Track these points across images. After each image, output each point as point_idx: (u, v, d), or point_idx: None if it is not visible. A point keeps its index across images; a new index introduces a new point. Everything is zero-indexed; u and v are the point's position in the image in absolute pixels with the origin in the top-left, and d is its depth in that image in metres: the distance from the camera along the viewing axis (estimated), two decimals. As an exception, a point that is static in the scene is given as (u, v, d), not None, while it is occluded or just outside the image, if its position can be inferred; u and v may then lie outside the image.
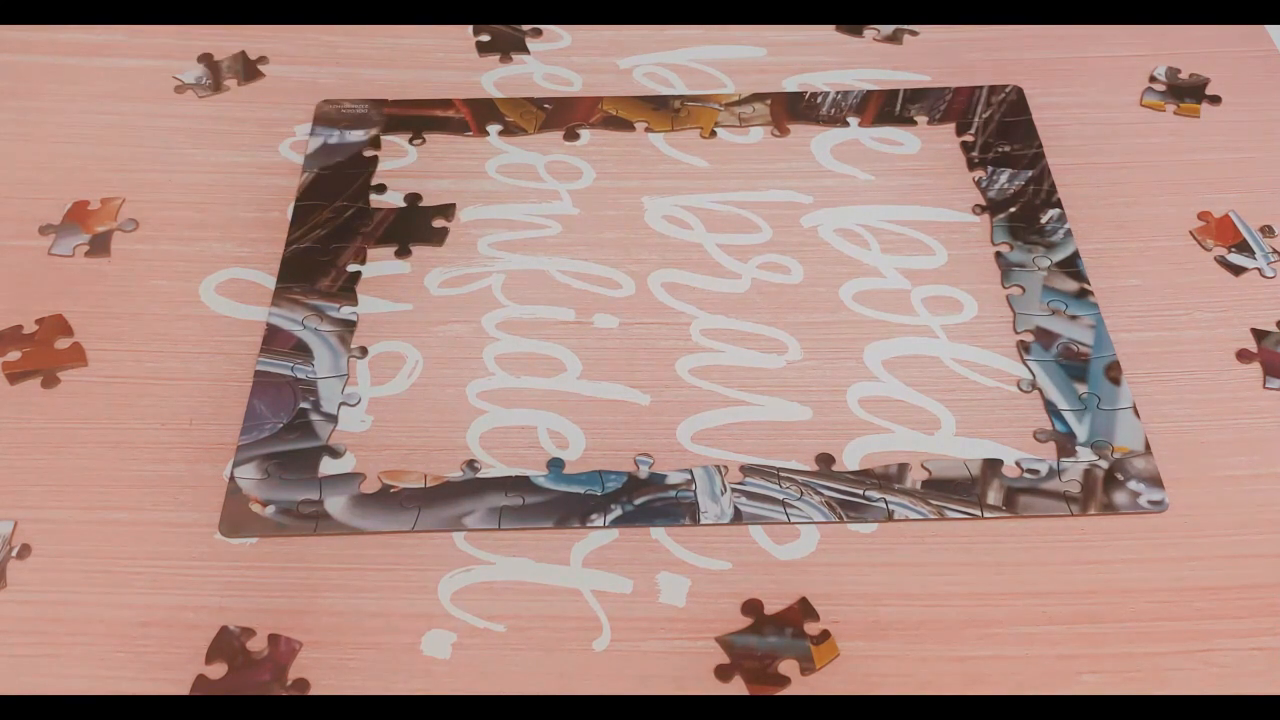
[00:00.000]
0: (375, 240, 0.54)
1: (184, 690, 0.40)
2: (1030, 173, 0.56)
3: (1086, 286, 0.52)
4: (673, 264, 0.53)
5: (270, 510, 0.45)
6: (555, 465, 0.46)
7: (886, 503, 0.45)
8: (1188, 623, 0.42)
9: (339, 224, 0.54)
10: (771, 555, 0.44)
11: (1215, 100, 0.60)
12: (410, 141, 0.58)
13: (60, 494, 0.45)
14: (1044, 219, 0.54)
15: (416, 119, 0.59)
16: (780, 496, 0.45)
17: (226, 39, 0.63)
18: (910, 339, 0.50)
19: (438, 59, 0.62)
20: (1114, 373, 0.49)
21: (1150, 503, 0.45)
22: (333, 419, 0.47)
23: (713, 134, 0.59)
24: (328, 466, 0.46)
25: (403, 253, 0.53)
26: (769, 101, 0.60)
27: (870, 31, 0.64)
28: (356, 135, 0.58)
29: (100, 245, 0.53)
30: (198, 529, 0.44)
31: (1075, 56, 0.62)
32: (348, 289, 0.52)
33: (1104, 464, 0.46)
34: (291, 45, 0.63)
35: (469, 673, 0.41)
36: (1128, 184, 0.56)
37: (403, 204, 0.55)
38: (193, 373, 0.49)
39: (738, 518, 0.44)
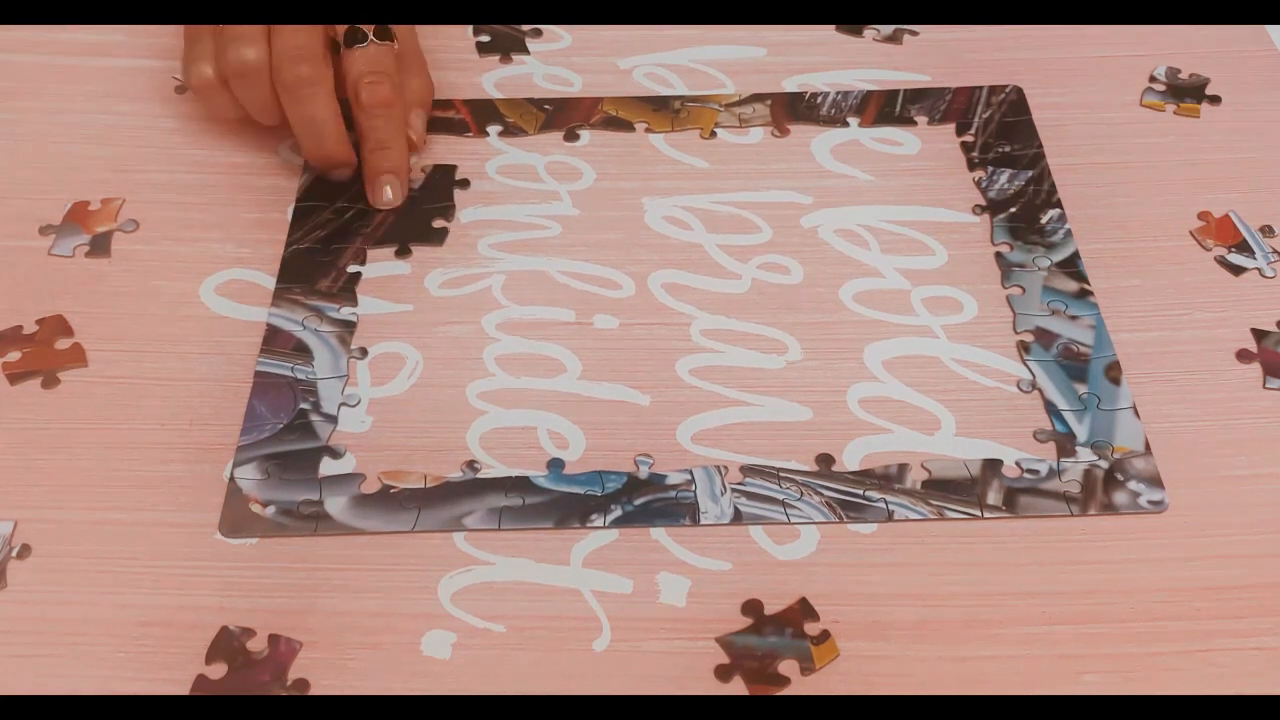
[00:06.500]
0: (375, 241, 0.54)
1: (184, 690, 0.40)
2: (1030, 173, 0.56)
3: (1086, 286, 0.52)
4: (673, 264, 0.53)
5: (270, 510, 0.45)
6: (555, 465, 0.46)
7: (886, 503, 0.45)
8: (1188, 623, 0.42)
9: (339, 224, 0.54)
10: (771, 555, 0.44)
11: (1215, 100, 0.60)
12: (410, 142, 0.58)
13: (60, 494, 0.45)
14: (1044, 219, 0.54)
15: (416, 119, 0.59)
16: (780, 497, 0.45)
17: (226, 39, 0.62)
18: (910, 339, 0.50)
19: (438, 59, 0.62)
20: (1114, 373, 0.49)
21: (1150, 503, 0.45)
22: (333, 419, 0.47)
23: (713, 134, 0.59)
24: (328, 467, 0.46)
25: (403, 253, 0.53)
26: (769, 102, 0.60)
27: (870, 31, 0.64)
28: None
29: (100, 245, 0.53)
30: (198, 529, 0.44)
31: (1075, 56, 0.62)
32: (348, 289, 0.52)
33: (1104, 464, 0.46)
34: (291, 45, 0.62)
35: (469, 673, 0.41)
36: (1128, 184, 0.56)
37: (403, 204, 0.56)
38: (193, 373, 0.49)
39: (738, 518, 0.44)
